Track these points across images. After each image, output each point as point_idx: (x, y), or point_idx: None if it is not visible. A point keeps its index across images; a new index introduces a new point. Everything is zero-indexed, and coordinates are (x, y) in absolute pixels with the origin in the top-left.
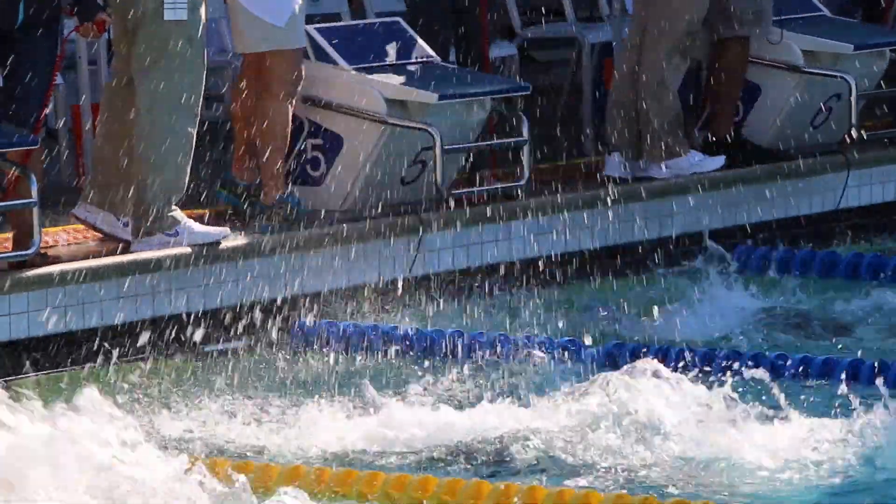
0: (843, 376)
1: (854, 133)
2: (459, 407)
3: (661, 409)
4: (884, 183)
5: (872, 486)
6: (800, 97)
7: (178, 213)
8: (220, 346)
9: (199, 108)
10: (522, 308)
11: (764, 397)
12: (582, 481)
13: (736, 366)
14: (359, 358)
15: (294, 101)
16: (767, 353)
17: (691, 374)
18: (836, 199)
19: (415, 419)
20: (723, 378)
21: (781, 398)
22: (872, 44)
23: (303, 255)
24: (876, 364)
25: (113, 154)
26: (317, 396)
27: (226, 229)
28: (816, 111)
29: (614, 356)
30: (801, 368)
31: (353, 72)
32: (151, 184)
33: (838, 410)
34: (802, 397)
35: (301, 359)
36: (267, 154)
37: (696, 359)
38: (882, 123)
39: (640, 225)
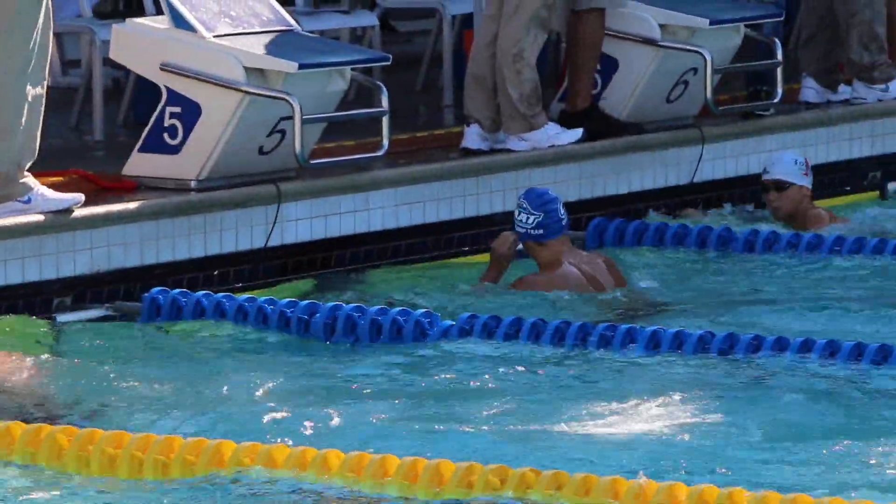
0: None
1: (709, 107)
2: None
3: None
4: (737, 157)
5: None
6: (656, 71)
7: (30, 180)
8: (71, 316)
9: (47, 72)
10: (378, 281)
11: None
12: None
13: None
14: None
15: None
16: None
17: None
18: (691, 172)
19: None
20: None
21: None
22: (728, 19)
23: (157, 223)
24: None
25: None
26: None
27: (79, 195)
28: (673, 85)
29: (467, 330)
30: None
31: (212, 39)
32: (0, 150)
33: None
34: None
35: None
36: None
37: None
38: (736, 98)
39: (499, 197)
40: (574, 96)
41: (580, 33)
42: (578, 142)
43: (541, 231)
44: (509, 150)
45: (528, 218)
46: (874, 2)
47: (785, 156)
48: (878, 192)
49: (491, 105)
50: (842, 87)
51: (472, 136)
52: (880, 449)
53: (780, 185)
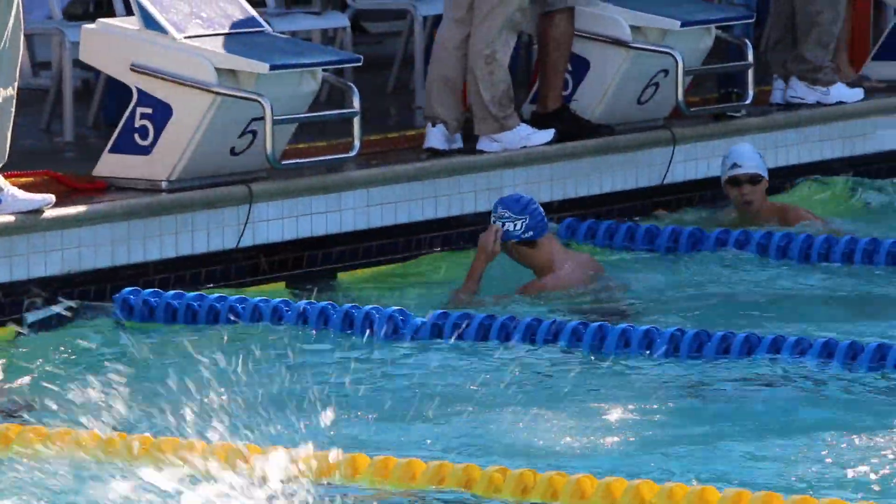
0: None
1: (680, 109)
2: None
3: None
4: (708, 158)
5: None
6: (628, 72)
7: (0, 181)
8: (42, 315)
9: (17, 73)
10: (349, 282)
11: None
12: None
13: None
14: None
15: None
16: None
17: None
18: (662, 173)
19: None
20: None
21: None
22: (699, 20)
23: (129, 224)
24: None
25: None
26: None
27: (50, 196)
28: (644, 86)
29: (439, 327)
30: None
31: (183, 40)
32: None
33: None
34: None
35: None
36: None
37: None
38: (708, 100)
39: (471, 198)
40: (545, 97)
41: (550, 34)
42: (550, 143)
43: (531, 233)
44: (480, 152)
45: (514, 225)
46: (838, 3)
47: (747, 149)
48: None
49: (459, 106)
50: (778, 83)
51: (438, 137)
52: (851, 446)
53: (755, 179)
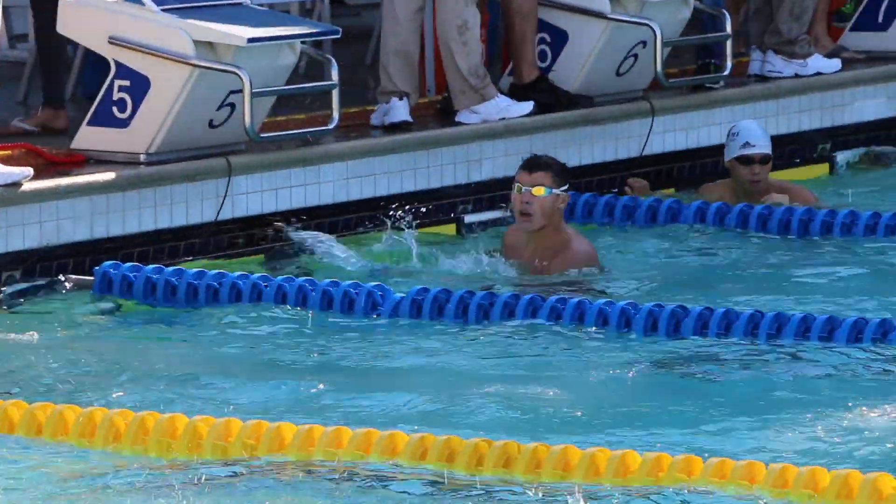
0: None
1: (659, 80)
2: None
3: None
4: (687, 130)
5: None
6: (606, 44)
7: None
8: (21, 286)
9: None
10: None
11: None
12: None
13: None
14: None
15: None
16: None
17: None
18: (641, 145)
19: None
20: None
21: None
22: None
23: (107, 197)
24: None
25: None
26: None
27: (28, 169)
28: (623, 58)
29: (418, 302)
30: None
31: (161, 12)
32: None
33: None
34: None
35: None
36: None
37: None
38: (686, 71)
39: (450, 170)
40: (519, 69)
41: (512, 4)
42: (529, 114)
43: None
44: (460, 123)
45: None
46: None
47: (758, 127)
48: (827, 164)
49: (416, 77)
50: (756, 54)
51: (401, 110)
52: (804, 419)
53: (766, 159)
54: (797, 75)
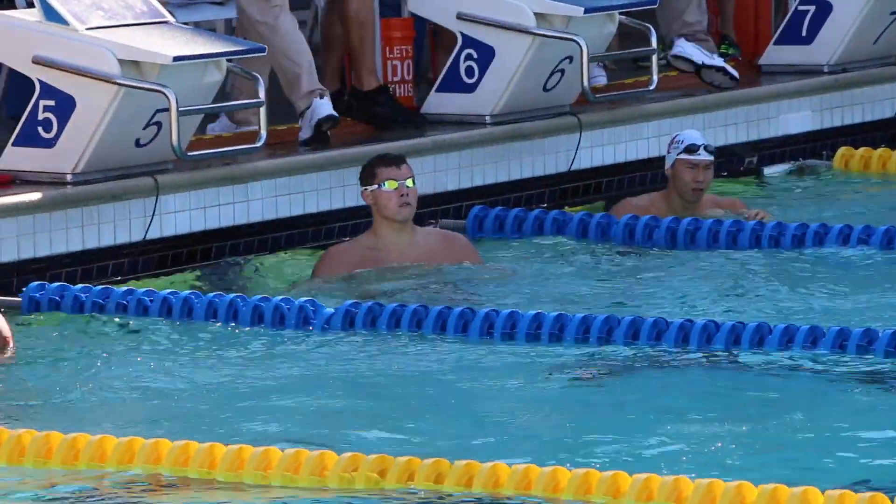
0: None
1: (586, 95)
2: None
3: None
4: (615, 144)
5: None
6: (533, 59)
7: None
8: None
9: None
10: (262, 271)
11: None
12: None
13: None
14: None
15: None
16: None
17: None
18: (569, 160)
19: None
20: None
21: None
22: (602, 7)
23: (34, 217)
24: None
25: None
26: None
27: None
28: (549, 73)
29: (351, 314)
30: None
31: (85, 32)
32: None
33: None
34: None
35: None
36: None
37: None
38: (612, 86)
39: None
40: (358, 75)
41: (346, 12)
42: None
43: None
44: (386, 141)
45: None
46: None
47: (703, 136)
48: (754, 177)
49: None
50: (678, 43)
51: (324, 106)
52: (758, 431)
53: (710, 166)
54: (704, 65)
